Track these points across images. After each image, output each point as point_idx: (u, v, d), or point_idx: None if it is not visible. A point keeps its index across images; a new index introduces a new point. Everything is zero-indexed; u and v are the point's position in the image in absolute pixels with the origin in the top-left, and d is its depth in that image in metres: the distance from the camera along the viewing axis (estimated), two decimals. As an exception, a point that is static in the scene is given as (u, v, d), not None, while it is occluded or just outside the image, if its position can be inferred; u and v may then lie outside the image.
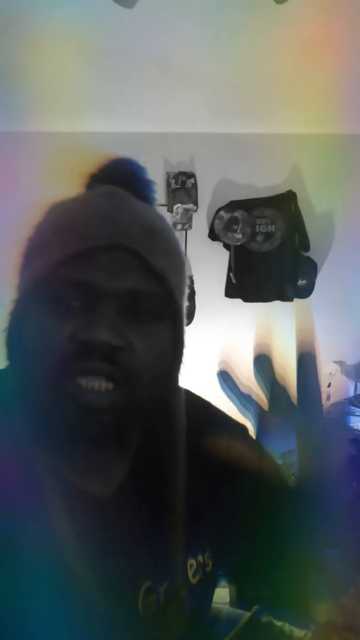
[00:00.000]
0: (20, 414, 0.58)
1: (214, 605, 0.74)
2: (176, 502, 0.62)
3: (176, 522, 0.62)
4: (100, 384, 0.53)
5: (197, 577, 0.65)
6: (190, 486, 0.65)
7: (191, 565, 0.64)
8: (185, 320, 0.62)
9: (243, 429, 0.72)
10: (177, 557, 0.63)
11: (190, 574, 0.64)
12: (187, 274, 0.64)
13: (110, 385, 0.53)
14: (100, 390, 0.53)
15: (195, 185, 2.72)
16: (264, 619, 0.76)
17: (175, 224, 2.64)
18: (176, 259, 0.61)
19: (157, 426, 0.66)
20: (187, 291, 0.63)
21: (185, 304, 0.63)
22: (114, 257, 0.55)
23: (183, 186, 2.71)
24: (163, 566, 0.62)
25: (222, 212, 2.67)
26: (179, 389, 0.67)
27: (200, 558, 0.66)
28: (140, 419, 0.62)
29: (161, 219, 0.62)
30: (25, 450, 0.57)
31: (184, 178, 2.72)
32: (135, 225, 0.57)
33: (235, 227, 2.64)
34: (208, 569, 0.67)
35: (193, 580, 0.64)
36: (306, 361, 0.65)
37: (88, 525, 0.57)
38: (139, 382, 0.55)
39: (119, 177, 0.62)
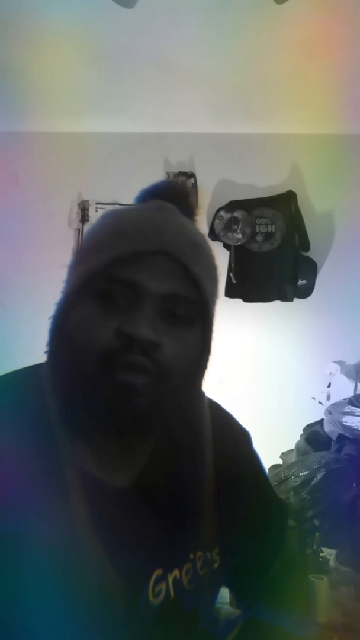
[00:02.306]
0: (52, 404, 0.62)
1: (214, 605, 0.74)
2: (191, 499, 0.67)
3: (189, 517, 0.67)
4: (137, 375, 0.58)
5: (205, 570, 0.68)
6: (205, 485, 0.69)
7: (199, 557, 0.68)
8: (213, 330, 0.67)
9: (248, 435, 0.80)
10: (188, 549, 0.66)
11: (198, 565, 0.67)
12: (217, 295, 0.69)
13: (145, 378, 0.58)
14: (137, 380, 0.58)
15: (195, 185, 2.72)
16: (264, 618, 0.76)
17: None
18: (212, 272, 0.67)
19: (179, 428, 0.70)
20: (215, 306, 0.68)
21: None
22: (159, 262, 0.60)
23: (183, 186, 2.71)
24: (174, 556, 0.65)
25: (222, 212, 2.67)
26: (203, 393, 0.72)
27: (208, 554, 0.69)
28: (162, 415, 0.66)
29: (202, 236, 0.68)
30: (49, 444, 0.60)
31: (184, 178, 2.72)
32: (181, 236, 0.63)
33: (235, 227, 2.64)
34: (215, 565, 0.69)
35: (201, 572, 0.67)
36: None
37: (105, 514, 0.61)
38: (167, 379, 0.60)
39: (169, 195, 0.69)
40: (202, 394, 0.72)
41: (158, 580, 0.63)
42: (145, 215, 0.64)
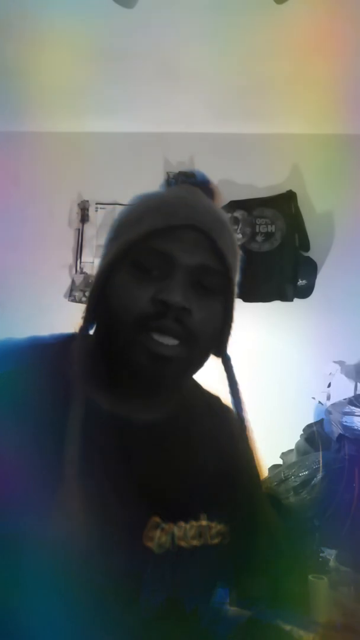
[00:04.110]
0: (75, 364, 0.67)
1: (214, 605, 0.74)
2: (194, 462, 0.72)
3: (193, 479, 0.71)
4: (169, 339, 0.64)
5: (198, 540, 0.69)
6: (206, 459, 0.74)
7: (192, 526, 0.69)
8: (235, 300, 0.74)
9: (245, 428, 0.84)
10: (190, 509, 0.69)
11: (190, 533, 0.69)
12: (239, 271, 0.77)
13: (176, 342, 0.64)
14: (169, 344, 0.63)
15: (195, 185, 2.72)
16: (264, 618, 0.76)
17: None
18: (235, 247, 0.75)
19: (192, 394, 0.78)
20: (238, 278, 0.76)
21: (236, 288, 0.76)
22: (190, 236, 0.67)
23: (183, 186, 2.71)
24: (172, 509, 0.68)
25: (222, 212, 2.67)
26: (228, 356, 0.78)
27: (204, 521, 0.70)
28: (189, 374, 0.74)
29: (225, 215, 0.75)
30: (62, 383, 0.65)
31: (184, 178, 2.71)
32: (209, 214, 0.70)
33: (235, 227, 2.64)
34: (212, 531, 0.71)
35: (194, 542, 0.68)
36: None
37: (100, 441, 0.66)
38: (197, 341, 0.66)
39: (195, 181, 0.77)
40: (228, 357, 0.77)
41: (154, 527, 0.65)
42: (176, 194, 0.71)
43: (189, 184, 0.75)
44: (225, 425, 0.79)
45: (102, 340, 0.70)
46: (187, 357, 0.66)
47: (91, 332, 0.72)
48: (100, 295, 0.69)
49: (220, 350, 0.76)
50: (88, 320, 0.71)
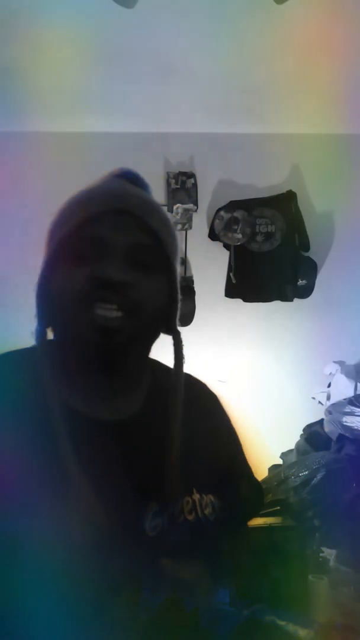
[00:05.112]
0: (41, 357, 0.71)
1: (214, 605, 0.74)
2: (174, 441, 0.73)
3: (173, 460, 0.72)
4: (112, 311, 0.66)
5: (193, 515, 0.72)
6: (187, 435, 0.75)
7: (187, 502, 0.72)
8: (178, 278, 0.77)
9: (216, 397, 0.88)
10: (175, 488, 0.71)
11: (186, 509, 0.71)
12: (178, 250, 0.78)
13: (120, 313, 0.67)
14: (112, 316, 0.66)
15: (195, 185, 2.72)
16: (265, 618, 0.76)
17: (175, 224, 2.64)
18: (168, 227, 0.76)
19: (163, 376, 0.79)
20: (179, 259, 0.78)
21: (179, 269, 0.78)
22: (119, 219, 0.70)
23: (183, 186, 2.71)
24: (165, 493, 0.70)
25: (222, 212, 2.67)
26: (178, 332, 0.80)
27: (196, 496, 0.73)
28: (144, 349, 0.77)
29: (155, 200, 0.78)
30: (35, 385, 0.68)
31: (184, 178, 2.72)
32: (136, 197, 0.73)
33: (235, 227, 2.64)
34: (206, 511, 0.73)
35: (189, 517, 0.71)
36: None
37: (89, 445, 0.68)
38: (141, 312, 0.69)
39: (118, 174, 0.81)
40: (178, 332, 0.80)
41: (155, 515, 0.68)
42: (104, 184, 0.76)
43: (112, 177, 0.80)
44: (198, 401, 0.82)
45: (59, 333, 0.73)
46: (134, 329, 0.68)
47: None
48: (44, 295, 0.72)
49: (170, 327, 0.79)
50: (40, 321, 0.74)
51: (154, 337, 0.77)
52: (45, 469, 0.63)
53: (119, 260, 0.68)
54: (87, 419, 0.70)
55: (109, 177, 0.79)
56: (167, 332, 0.79)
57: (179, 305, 0.78)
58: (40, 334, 0.73)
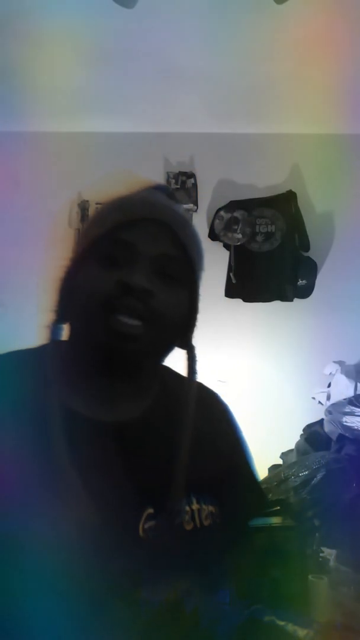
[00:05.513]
0: (49, 355, 0.71)
1: (214, 605, 0.74)
2: (182, 450, 0.72)
3: (179, 468, 0.71)
4: (133, 320, 0.67)
5: (192, 525, 0.71)
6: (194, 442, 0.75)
7: (187, 511, 0.71)
8: (199, 295, 0.78)
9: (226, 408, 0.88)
10: (177, 497, 0.70)
11: (185, 518, 0.71)
12: (203, 269, 0.79)
13: (140, 322, 0.67)
14: (132, 323, 0.67)
15: (195, 185, 2.72)
16: (265, 618, 0.76)
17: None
18: (197, 244, 0.78)
19: (171, 383, 0.80)
20: (202, 274, 0.78)
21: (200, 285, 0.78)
22: (152, 228, 0.72)
23: (183, 186, 2.71)
24: (165, 498, 0.69)
25: (222, 212, 2.67)
26: (193, 347, 0.80)
27: (196, 506, 0.73)
28: (153, 363, 0.77)
29: (188, 216, 0.81)
30: (37, 387, 0.69)
31: (184, 178, 2.72)
32: (172, 210, 0.75)
33: (235, 227, 2.64)
34: (206, 522, 0.73)
35: (188, 527, 0.70)
36: None
37: (86, 447, 0.68)
38: (161, 323, 0.69)
39: (161, 189, 0.82)
40: (192, 347, 0.80)
41: (149, 519, 0.67)
42: (139, 194, 0.77)
43: (150, 188, 0.80)
44: (208, 411, 0.82)
45: (74, 329, 0.74)
46: (151, 339, 0.68)
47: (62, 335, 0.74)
48: (66, 291, 0.73)
49: (185, 342, 0.79)
50: (57, 316, 0.74)
51: (169, 350, 0.77)
52: (41, 469, 0.63)
53: (146, 267, 0.69)
54: (87, 419, 0.70)
55: (147, 188, 0.80)
56: (182, 346, 0.79)
57: (196, 322, 0.79)
58: (57, 329, 0.74)
